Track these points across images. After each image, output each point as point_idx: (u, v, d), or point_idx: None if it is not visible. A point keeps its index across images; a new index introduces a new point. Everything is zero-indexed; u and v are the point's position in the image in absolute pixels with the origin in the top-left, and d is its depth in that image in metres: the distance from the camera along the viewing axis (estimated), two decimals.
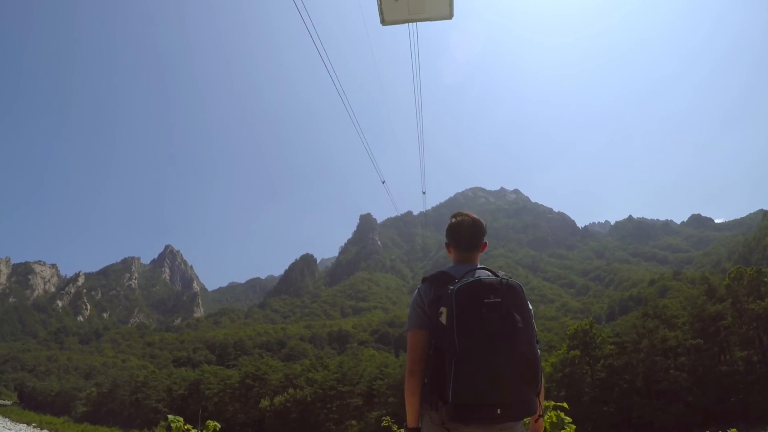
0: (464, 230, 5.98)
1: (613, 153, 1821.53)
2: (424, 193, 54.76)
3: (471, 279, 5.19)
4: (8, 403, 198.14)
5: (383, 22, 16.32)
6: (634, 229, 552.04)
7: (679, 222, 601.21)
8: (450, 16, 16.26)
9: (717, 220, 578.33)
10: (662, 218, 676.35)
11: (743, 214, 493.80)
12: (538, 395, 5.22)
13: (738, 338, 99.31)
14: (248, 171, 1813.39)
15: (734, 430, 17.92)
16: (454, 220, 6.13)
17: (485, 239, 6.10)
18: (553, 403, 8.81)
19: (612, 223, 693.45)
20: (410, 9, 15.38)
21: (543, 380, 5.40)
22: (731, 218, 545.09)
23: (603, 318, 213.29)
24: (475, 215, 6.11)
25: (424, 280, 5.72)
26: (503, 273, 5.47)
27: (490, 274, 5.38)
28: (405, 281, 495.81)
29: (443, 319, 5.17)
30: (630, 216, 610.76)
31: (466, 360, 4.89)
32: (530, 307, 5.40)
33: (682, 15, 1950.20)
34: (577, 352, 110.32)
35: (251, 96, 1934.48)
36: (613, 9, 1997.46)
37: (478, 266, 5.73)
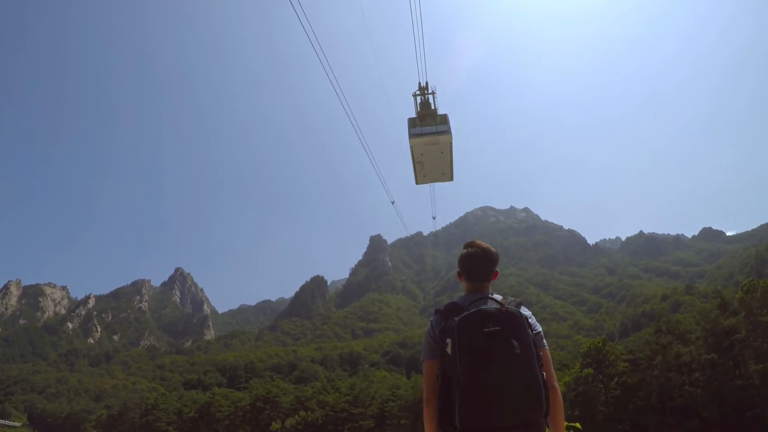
0: (474, 262, 6.48)
1: (623, 167, 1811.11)
2: (434, 218, 61.48)
3: (473, 310, 5.76)
4: (17, 425, 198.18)
5: (417, 183, 41.99)
6: (645, 245, 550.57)
7: (690, 236, 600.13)
8: (452, 180, 42.43)
9: (728, 233, 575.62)
10: (673, 232, 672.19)
11: (755, 226, 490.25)
12: (546, 417, 5.68)
13: (753, 351, 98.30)
14: (257, 193, 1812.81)
15: None
16: (465, 251, 6.60)
17: (497, 267, 6.61)
18: (566, 423, 8.32)
19: (623, 239, 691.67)
20: (431, 178, 41.70)
21: (557, 402, 5.92)
22: (742, 230, 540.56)
23: (616, 335, 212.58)
24: (485, 245, 6.59)
25: (436, 311, 6.29)
26: (512, 298, 6.09)
27: (494, 302, 6.01)
28: (416, 302, 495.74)
29: (449, 349, 5.69)
30: (641, 231, 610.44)
31: (470, 387, 5.38)
32: (538, 329, 6.04)
33: (686, 25, 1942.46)
34: (590, 370, 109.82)
35: (257, 115, 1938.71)
36: (615, 22, 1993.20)
37: (487, 295, 6.30)
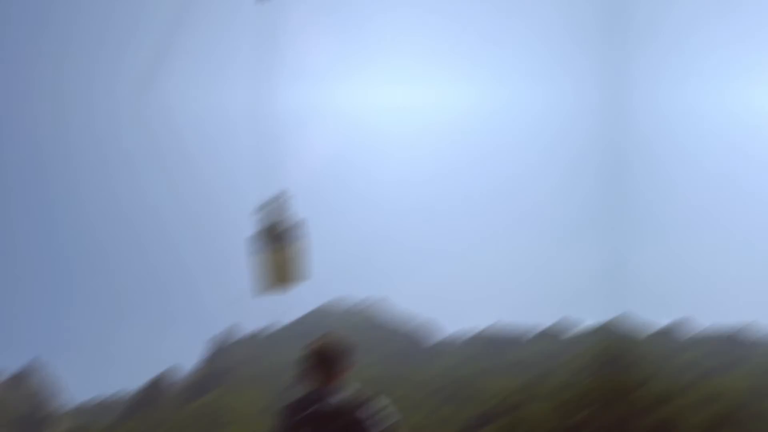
0: (316, 359, 6.26)
1: (476, 256, 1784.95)
2: (281, 315, 55.12)
3: (315, 407, 5.73)
4: None
5: (259, 295, 19.91)
6: (490, 342, 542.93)
7: (536, 332, 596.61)
8: (305, 279, 20.53)
9: (574, 329, 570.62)
10: (522, 325, 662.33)
11: (600, 322, 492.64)
12: None
13: None
14: (101, 287, 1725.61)
15: None
16: (309, 347, 6.50)
17: (349, 360, 6.40)
18: None
19: (469, 335, 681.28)
20: (277, 289, 19.91)
21: None
22: (588, 327, 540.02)
23: None
24: (331, 340, 6.46)
25: (282, 409, 6.22)
26: (354, 395, 6.02)
27: (339, 398, 5.98)
28: (266, 397, 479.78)
29: None
30: (487, 327, 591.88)
31: None
32: (389, 423, 5.92)
33: (530, 117, 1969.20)
34: None
35: (105, 204, 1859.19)
36: (463, 113, 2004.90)
37: (333, 390, 6.03)
